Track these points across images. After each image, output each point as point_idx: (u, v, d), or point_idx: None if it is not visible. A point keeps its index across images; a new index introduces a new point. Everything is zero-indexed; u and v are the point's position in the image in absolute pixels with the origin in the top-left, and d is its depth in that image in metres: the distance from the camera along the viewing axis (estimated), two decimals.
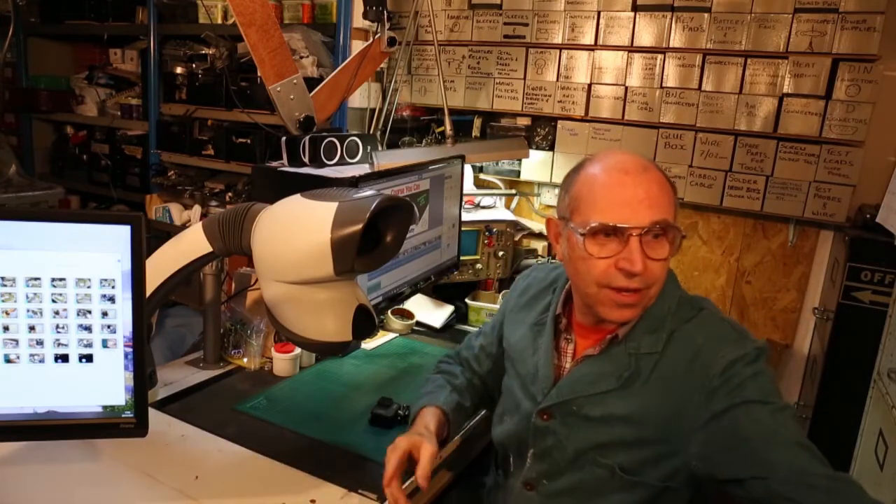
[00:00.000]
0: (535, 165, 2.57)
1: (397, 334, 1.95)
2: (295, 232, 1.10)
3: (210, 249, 1.22)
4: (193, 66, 2.98)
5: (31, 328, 1.01)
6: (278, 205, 1.20)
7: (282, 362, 1.60)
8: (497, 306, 2.08)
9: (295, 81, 2.05)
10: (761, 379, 0.99)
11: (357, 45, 2.53)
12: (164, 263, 1.24)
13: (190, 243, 1.23)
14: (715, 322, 1.07)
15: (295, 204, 1.16)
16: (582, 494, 1.11)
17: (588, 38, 2.41)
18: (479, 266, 2.18)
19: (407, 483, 1.20)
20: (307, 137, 2.08)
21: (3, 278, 0.98)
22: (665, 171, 1.08)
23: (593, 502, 1.10)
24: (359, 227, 1.04)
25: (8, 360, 1.01)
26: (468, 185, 2.41)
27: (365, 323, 1.17)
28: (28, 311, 1.00)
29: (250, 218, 1.19)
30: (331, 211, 1.07)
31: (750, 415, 0.95)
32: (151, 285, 1.21)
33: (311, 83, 2.15)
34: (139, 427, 1.07)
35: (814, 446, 0.93)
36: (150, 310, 1.25)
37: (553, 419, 1.12)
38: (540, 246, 2.54)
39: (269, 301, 1.15)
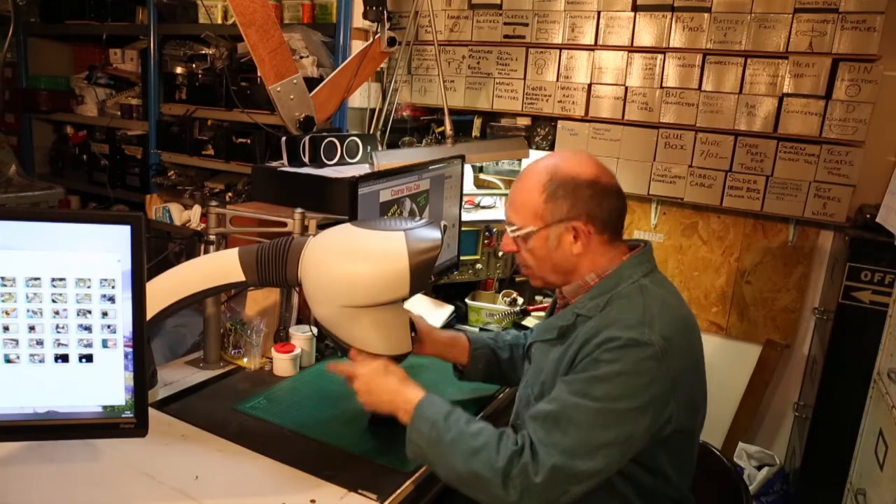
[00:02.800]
0: None
1: None
2: (367, 260, 1.18)
3: (243, 279, 1.25)
4: (193, 66, 2.98)
5: (31, 328, 1.01)
6: (328, 236, 1.25)
7: (282, 362, 1.60)
8: (497, 306, 2.08)
9: (295, 81, 2.05)
10: (602, 368, 1.06)
11: (357, 45, 2.53)
12: (193, 280, 1.27)
13: (223, 268, 1.26)
14: (636, 304, 1.13)
15: (353, 233, 1.24)
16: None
17: (588, 38, 2.41)
18: (478, 266, 2.17)
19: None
20: (307, 137, 2.08)
21: (3, 278, 0.98)
22: (554, 175, 1.18)
23: None
24: (435, 253, 1.19)
25: (8, 360, 1.01)
26: (468, 185, 2.41)
27: (413, 332, 1.30)
28: (28, 311, 1.00)
29: (294, 251, 1.24)
30: (401, 240, 1.17)
31: (555, 390, 1.11)
32: (174, 296, 1.24)
33: (311, 83, 2.15)
34: (139, 427, 1.07)
35: (560, 424, 1.05)
36: (165, 317, 1.27)
37: (528, 362, 1.32)
38: None
39: (327, 321, 1.23)
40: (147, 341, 1.12)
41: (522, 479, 1.03)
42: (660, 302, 1.14)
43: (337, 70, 2.25)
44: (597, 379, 1.06)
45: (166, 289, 1.25)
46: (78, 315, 1.02)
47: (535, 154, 2.55)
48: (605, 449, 1.04)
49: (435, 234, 1.22)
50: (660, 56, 2.31)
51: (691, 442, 1.20)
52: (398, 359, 1.28)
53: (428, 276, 1.21)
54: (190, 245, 1.77)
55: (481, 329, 1.98)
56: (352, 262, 1.19)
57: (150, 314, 1.15)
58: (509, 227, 1.24)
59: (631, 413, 1.04)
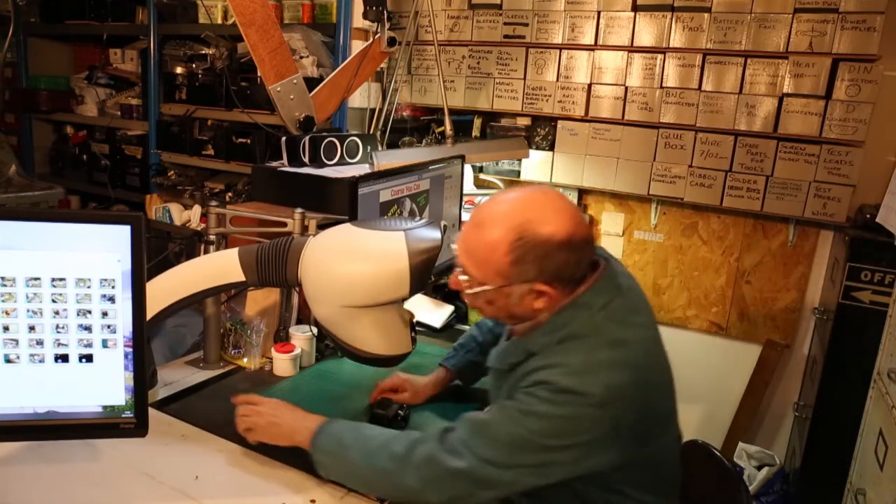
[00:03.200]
0: (535, 165, 2.57)
1: None
2: (367, 260, 1.18)
3: (243, 279, 1.26)
4: (193, 66, 2.98)
5: (31, 328, 1.01)
6: (328, 236, 1.26)
7: (282, 362, 1.60)
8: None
9: (295, 81, 2.05)
10: (538, 406, 1.02)
11: (357, 45, 2.53)
12: (193, 280, 1.27)
13: (223, 268, 1.27)
14: (583, 348, 1.06)
15: (353, 233, 1.24)
16: None
17: (588, 38, 2.41)
18: None
19: None
20: (307, 137, 2.08)
21: (3, 278, 0.98)
22: (523, 235, 1.04)
23: None
24: (435, 253, 1.17)
25: (8, 360, 1.01)
26: (468, 185, 2.41)
27: (413, 333, 1.29)
28: (28, 311, 1.00)
29: (294, 251, 1.24)
30: (401, 240, 1.17)
31: (495, 406, 1.09)
32: (174, 296, 1.24)
33: (311, 83, 2.15)
34: (139, 427, 1.07)
35: (483, 436, 1.04)
36: (165, 317, 1.27)
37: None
38: None
39: (327, 321, 1.23)
40: (147, 341, 1.12)
41: (427, 468, 1.04)
42: (610, 343, 1.06)
43: (337, 70, 2.25)
44: (531, 413, 1.02)
45: (166, 289, 1.26)
46: (78, 315, 1.02)
47: (535, 154, 2.55)
48: (521, 469, 1.02)
49: (435, 234, 1.22)
50: (660, 56, 2.31)
51: (658, 463, 1.14)
52: (398, 359, 1.28)
53: (428, 276, 1.21)
54: (190, 245, 1.78)
55: None
56: (352, 262, 1.19)
57: (150, 314, 1.15)
58: (462, 276, 1.12)
59: (556, 449, 1.02)
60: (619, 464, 1.05)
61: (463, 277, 1.12)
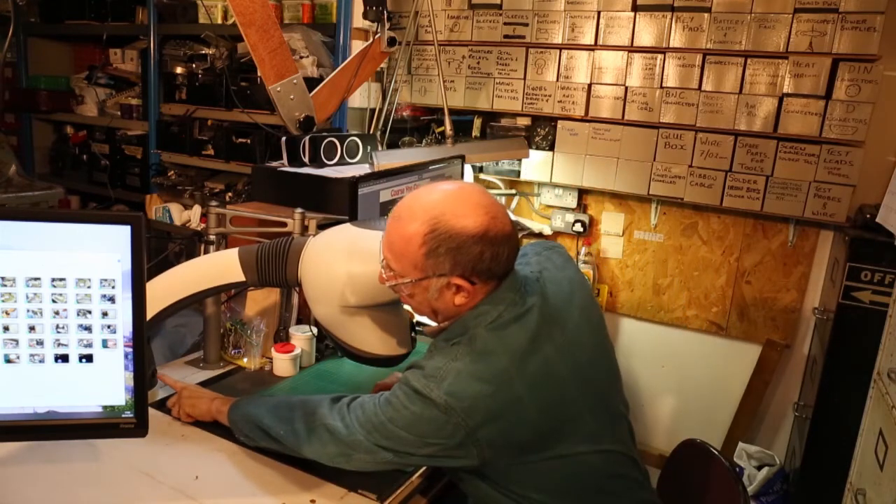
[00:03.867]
0: (535, 165, 2.57)
1: None
2: (366, 260, 1.18)
3: (243, 279, 1.26)
4: (193, 66, 2.98)
5: (31, 328, 1.01)
6: (328, 236, 1.26)
7: (282, 362, 1.60)
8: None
9: (295, 81, 2.05)
10: (397, 396, 1.07)
11: (357, 45, 2.53)
12: (193, 280, 1.28)
13: (223, 268, 1.27)
14: (446, 356, 1.08)
15: (352, 233, 1.24)
16: None
17: (588, 38, 2.41)
18: None
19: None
20: (307, 137, 2.08)
21: (3, 278, 0.98)
22: (436, 228, 1.05)
23: None
24: None
25: (8, 360, 1.01)
26: None
27: (413, 333, 1.30)
28: (28, 311, 1.00)
29: (294, 251, 1.24)
30: None
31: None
32: (175, 296, 1.25)
33: (311, 83, 2.15)
34: (139, 427, 1.07)
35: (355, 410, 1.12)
36: (165, 317, 1.27)
37: None
38: None
39: (328, 323, 1.23)
40: (147, 341, 1.12)
41: (320, 427, 1.12)
42: (476, 353, 1.06)
43: (337, 70, 2.25)
44: (391, 404, 1.07)
45: (166, 289, 1.26)
46: (78, 315, 1.02)
47: (535, 154, 2.55)
48: (380, 446, 1.07)
49: None
50: (660, 56, 2.31)
51: (569, 472, 1.12)
52: (398, 359, 1.28)
53: None
54: (190, 245, 1.78)
55: None
56: (352, 262, 1.19)
57: (150, 314, 1.15)
58: (384, 269, 1.13)
59: (408, 442, 1.05)
60: (491, 467, 1.08)
61: (385, 271, 1.13)
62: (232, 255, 1.27)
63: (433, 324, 1.22)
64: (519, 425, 1.06)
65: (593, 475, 1.14)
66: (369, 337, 1.22)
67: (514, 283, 1.13)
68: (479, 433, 1.03)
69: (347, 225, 1.28)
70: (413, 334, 1.33)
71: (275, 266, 1.25)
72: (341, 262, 1.20)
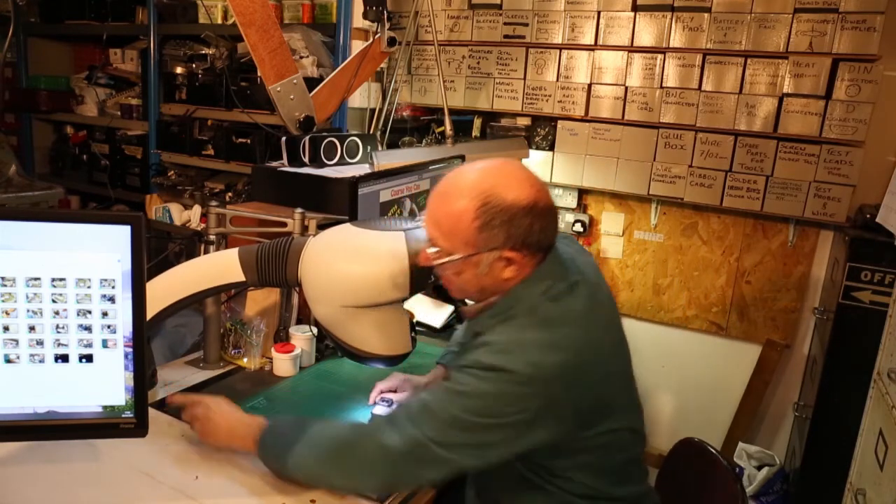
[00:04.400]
0: (535, 165, 2.57)
1: None
2: (367, 261, 1.18)
3: (243, 279, 1.26)
4: (193, 66, 2.98)
5: (31, 328, 1.01)
6: (328, 236, 1.25)
7: (282, 362, 1.60)
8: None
9: (295, 81, 2.05)
10: (468, 383, 1.04)
11: (357, 45, 2.53)
12: (193, 280, 1.28)
13: (223, 268, 1.27)
14: (514, 328, 1.08)
15: (353, 233, 1.23)
16: None
17: (588, 38, 2.41)
18: None
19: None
20: (307, 137, 2.08)
21: (3, 278, 0.98)
22: (489, 201, 1.05)
23: None
24: None
25: (8, 360, 1.01)
26: None
27: (413, 333, 1.30)
28: (28, 311, 1.00)
29: (294, 251, 1.24)
30: (401, 240, 1.16)
31: (439, 385, 1.11)
32: (175, 296, 1.24)
33: (311, 83, 2.15)
34: (139, 427, 1.07)
35: (422, 412, 1.06)
36: (165, 317, 1.27)
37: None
38: None
39: (327, 321, 1.23)
40: (147, 341, 1.12)
41: (375, 449, 1.05)
42: (541, 324, 1.07)
43: (337, 70, 2.25)
44: (461, 393, 1.04)
45: (166, 289, 1.26)
46: (78, 315, 1.02)
47: (535, 154, 2.55)
48: (458, 448, 1.03)
49: None
50: (660, 56, 2.31)
51: (604, 450, 1.14)
52: (398, 359, 1.28)
53: (428, 276, 1.20)
54: (190, 245, 1.78)
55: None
56: (352, 263, 1.19)
57: (150, 314, 1.15)
58: (431, 248, 1.12)
59: (487, 428, 1.03)
60: (554, 444, 1.07)
61: (432, 250, 1.12)
62: (232, 255, 1.27)
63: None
64: (587, 393, 1.08)
65: (622, 454, 1.17)
66: (369, 337, 1.22)
67: (557, 257, 1.15)
68: (559, 403, 1.04)
69: (347, 225, 1.28)
70: (413, 334, 1.33)
71: (275, 266, 1.25)
72: (341, 262, 1.20)
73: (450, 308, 2.07)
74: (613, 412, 1.12)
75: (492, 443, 1.04)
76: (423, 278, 1.18)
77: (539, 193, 1.09)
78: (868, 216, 2.01)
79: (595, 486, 1.14)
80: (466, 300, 1.23)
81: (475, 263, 1.10)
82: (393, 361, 1.29)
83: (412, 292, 1.20)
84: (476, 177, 1.09)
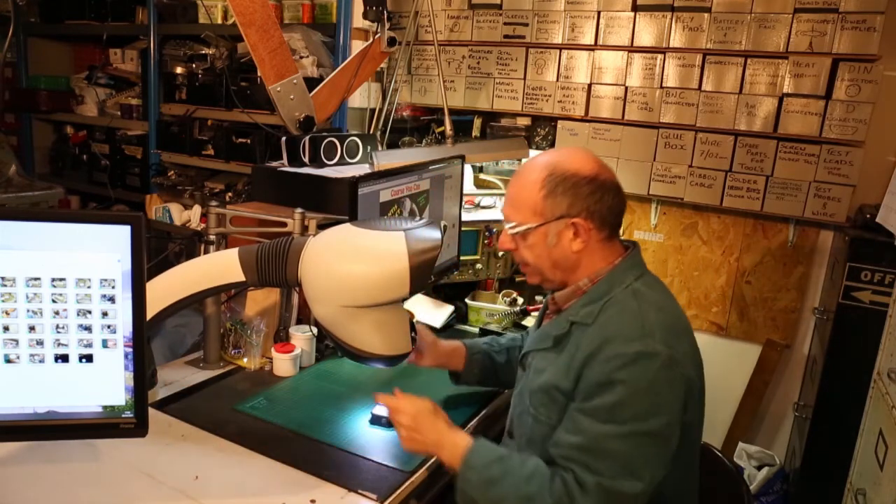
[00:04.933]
0: None
1: None
2: (367, 261, 1.18)
3: (243, 279, 1.26)
4: (193, 66, 2.98)
5: (31, 328, 1.01)
6: (328, 236, 1.25)
7: (282, 362, 1.60)
8: (497, 306, 2.08)
9: (295, 81, 2.05)
10: (619, 390, 1.04)
11: (357, 45, 2.53)
12: (193, 280, 1.27)
13: (224, 268, 1.26)
14: (632, 313, 1.12)
15: (352, 233, 1.24)
16: (526, 442, 1.22)
17: (588, 38, 2.41)
18: (479, 266, 2.17)
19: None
20: (307, 137, 2.08)
21: (3, 278, 0.98)
22: (553, 171, 1.16)
23: (531, 449, 1.19)
24: (435, 253, 1.18)
25: (8, 360, 1.01)
26: (468, 185, 2.41)
27: (413, 332, 1.30)
28: (28, 311, 1.00)
29: (294, 251, 1.24)
30: (401, 240, 1.17)
31: (577, 420, 1.09)
32: (175, 296, 1.24)
33: (311, 83, 2.15)
34: (139, 427, 1.07)
35: (597, 454, 1.04)
36: (165, 317, 1.27)
37: (522, 369, 1.30)
38: None
39: (329, 323, 1.23)
40: (147, 341, 1.12)
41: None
42: (656, 307, 1.13)
43: (337, 70, 2.25)
44: (618, 404, 1.04)
45: (166, 289, 1.26)
46: (78, 315, 1.02)
47: (535, 154, 2.55)
48: (648, 469, 1.03)
49: (435, 234, 1.22)
50: (660, 56, 2.31)
51: (692, 431, 1.17)
52: (398, 359, 1.28)
53: (428, 276, 1.21)
54: (190, 245, 1.78)
55: (481, 329, 1.99)
56: (352, 263, 1.19)
57: (150, 314, 1.15)
58: (507, 225, 1.22)
59: (661, 428, 1.04)
60: (691, 426, 1.11)
61: (508, 225, 1.22)
62: (232, 255, 1.27)
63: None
64: (702, 378, 1.15)
65: (693, 450, 1.22)
66: (369, 337, 1.22)
67: (637, 254, 1.23)
68: (694, 384, 1.10)
69: (347, 225, 1.28)
70: (413, 334, 1.33)
71: (275, 266, 1.25)
72: (341, 261, 1.20)
73: (450, 308, 2.07)
74: (703, 417, 1.20)
75: (671, 446, 1.06)
76: (422, 278, 1.19)
77: (601, 169, 1.18)
78: (868, 216, 2.01)
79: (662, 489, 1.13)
80: (545, 287, 1.27)
81: (544, 233, 1.18)
82: (393, 361, 1.29)
83: (412, 292, 1.19)
84: (543, 157, 1.22)
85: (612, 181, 1.19)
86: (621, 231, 1.26)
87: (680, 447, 1.09)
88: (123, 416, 1.06)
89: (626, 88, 2.38)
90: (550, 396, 1.15)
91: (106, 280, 1.02)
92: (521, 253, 1.23)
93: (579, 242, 1.17)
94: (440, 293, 2.18)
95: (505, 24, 2.54)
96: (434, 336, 1.50)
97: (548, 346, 1.20)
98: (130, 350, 1.04)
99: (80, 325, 1.02)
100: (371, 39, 2.26)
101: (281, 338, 1.68)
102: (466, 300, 2.11)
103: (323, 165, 2.11)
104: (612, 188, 1.18)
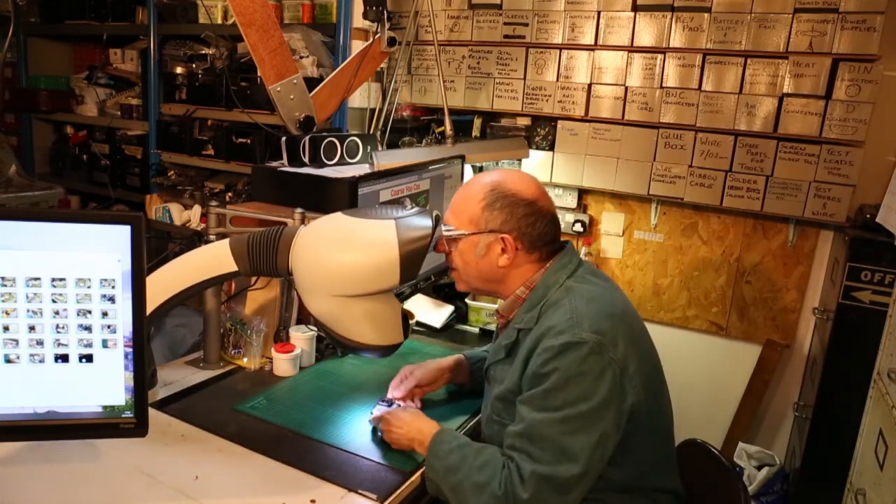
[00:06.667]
0: (536, 165, 2.57)
1: None
2: (357, 249, 1.18)
3: (235, 269, 1.25)
4: (193, 66, 2.97)
5: (31, 328, 1.01)
6: (318, 225, 1.25)
7: (282, 362, 1.60)
8: (497, 306, 2.08)
9: (295, 81, 2.05)
10: (551, 378, 1.11)
11: (357, 45, 2.53)
12: (185, 273, 1.26)
13: (215, 259, 1.26)
14: (563, 308, 1.18)
15: (343, 222, 1.23)
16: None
17: (588, 38, 2.41)
18: None
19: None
20: (307, 137, 2.08)
21: (3, 278, 0.98)
22: (496, 188, 1.25)
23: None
24: (426, 242, 1.18)
25: (8, 360, 1.01)
26: None
27: (406, 323, 1.30)
28: (28, 311, 1.00)
29: (285, 240, 1.23)
30: (391, 228, 1.16)
31: (519, 411, 1.16)
32: (169, 292, 1.23)
33: (311, 83, 2.15)
34: (139, 427, 1.07)
35: (534, 440, 1.11)
36: (161, 314, 1.27)
37: (487, 382, 1.37)
38: None
39: (320, 313, 1.23)
40: (147, 341, 1.12)
41: (514, 500, 1.07)
42: (585, 298, 1.19)
43: (337, 70, 2.24)
44: (550, 391, 1.10)
45: (161, 285, 1.24)
46: (78, 315, 1.02)
47: (534, 154, 2.55)
48: (583, 452, 1.07)
49: (426, 222, 1.21)
50: (660, 56, 2.31)
51: (649, 428, 1.20)
52: (391, 349, 1.27)
53: (419, 264, 1.19)
54: (190, 245, 1.77)
55: (481, 329, 1.99)
56: (341, 251, 1.18)
57: (147, 311, 1.15)
58: (444, 228, 1.29)
59: (594, 412, 1.08)
60: (635, 410, 1.14)
61: (445, 228, 1.29)
62: (223, 245, 1.26)
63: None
64: (644, 358, 1.19)
65: (668, 444, 1.28)
66: (362, 328, 1.20)
67: (567, 253, 1.29)
68: (628, 366, 1.13)
69: (338, 214, 1.26)
70: (405, 325, 1.31)
71: (266, 255, 1.23)
72: (332, 250, 1.18)
73: (450, 308, 2.07)
74: (660, 380, 1.25)
75: (605, 430, 1.09)
76: (413, 267, 1.18)
77: (542, 197, 1.26)
78: (868, 216, 2.01)
79: (634, 473, 1.20)
80: (475, 295, 1.35)
81: (475, 242, 1.26)
82: (386, 352, 1.27)
83: (402, 281, 1.18)
84: (493, 174, 1.30)
85: (549, 210, 1.27)
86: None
87: (637, 430, 1.15)
88: (123, 416, 1.06)
89: (626, 88, 2.38)
90: (508, 401, 1.22)
91: (106, 280, 1.02)
92: (452, 257, 1.31)
93: (505, 259, 1.25)
94: (440, 293, 2.18)
95: (505, 24, 2.54)
96: (436, 362, 1.52)
97: (502, 356, 1.28)
98: (130, 350, 1.04)
99: (80, 325, 1.02)
100: (371, 39, 2.26)
101: (281, 338, 1.68)
102: (466, 300, 2.11)
103: (323, 165, 2.11)
104: (547, 216, 1.26)
